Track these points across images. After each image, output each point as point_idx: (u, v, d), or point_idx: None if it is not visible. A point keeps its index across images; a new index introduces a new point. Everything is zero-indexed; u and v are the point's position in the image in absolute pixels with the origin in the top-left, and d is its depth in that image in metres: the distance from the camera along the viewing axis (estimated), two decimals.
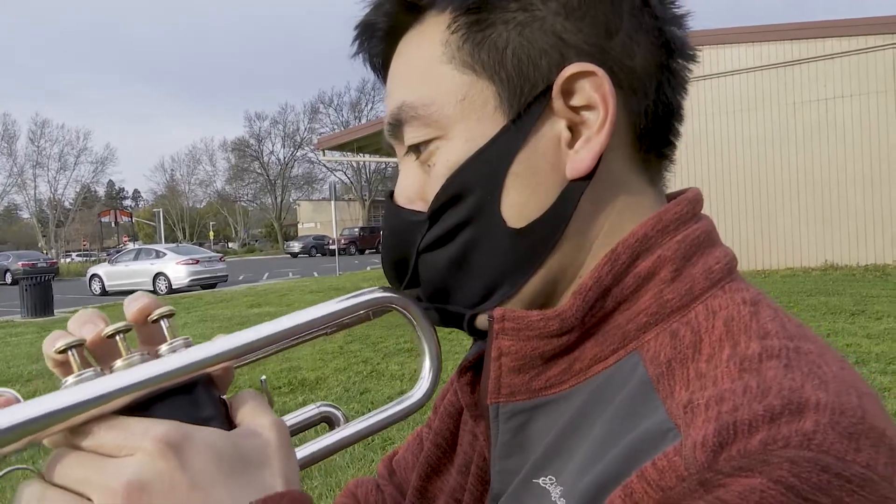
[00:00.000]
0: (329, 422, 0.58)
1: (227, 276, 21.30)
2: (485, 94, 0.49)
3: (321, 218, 58.85)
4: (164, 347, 0.45)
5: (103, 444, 0.40)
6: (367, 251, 43.51)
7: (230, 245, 65.69)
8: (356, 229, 45.90)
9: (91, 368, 0.43)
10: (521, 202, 0.49)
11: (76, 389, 0.41)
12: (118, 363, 0.43)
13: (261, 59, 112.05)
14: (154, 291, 19.81)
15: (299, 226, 63.05)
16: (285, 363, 6.80)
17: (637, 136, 0.50)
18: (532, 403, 0.50)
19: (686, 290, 0.48)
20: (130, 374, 0.42)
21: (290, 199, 65.91)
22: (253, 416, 0.44)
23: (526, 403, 0.50)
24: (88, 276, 22.05)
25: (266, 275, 25.92)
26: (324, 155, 20.64)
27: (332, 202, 23.42)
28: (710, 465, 0.37)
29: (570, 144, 0.49)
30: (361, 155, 20.71)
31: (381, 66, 0.57)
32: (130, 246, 35.52)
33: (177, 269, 19.96)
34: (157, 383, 0.42)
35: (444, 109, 0.50)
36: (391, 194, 0.56)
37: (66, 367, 0.43)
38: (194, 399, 0.44)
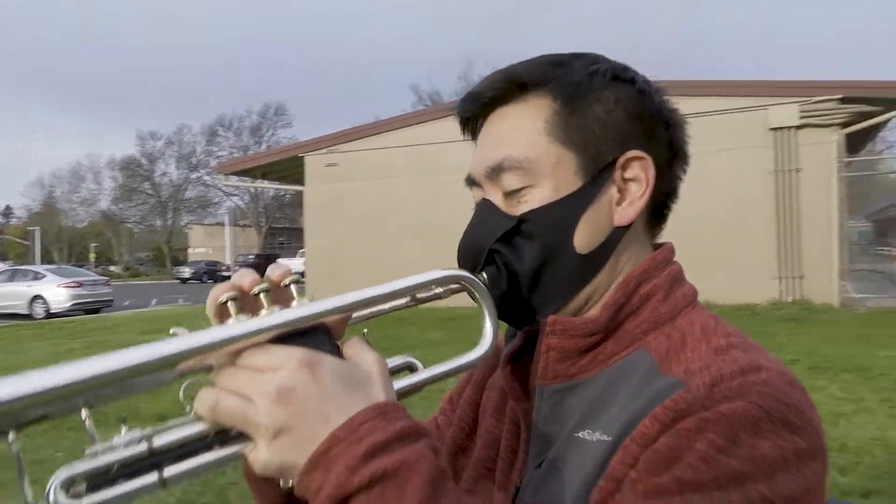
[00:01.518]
0: (410, 368, 0.71)
1: (112, 300, 20.26)
2: (570, 162, 0.71)
3: (214, 243, 56.94)
4: (294, 303, 0.61)
5: (258, 363, 0.56)
6: None
7: (112, 268, 62.15)
8: (251, 256, 44.53)
9: (245, 314, 0.59)
10: (586, 238, 0.71)
11: (240, 324, 0.57)
12: (264, 311, 0.59)
13: (156, 76, 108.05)
14: (30, 316, 18.56)
15: (190, 250, 60.64)
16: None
17: (654, 206, 0.74)
18: (568, 385, 0.71)
19: (673, 307, 0.71)
20: (275, 317, 0.58)
21: (182, 223, 63.34)
22: (359, 353, 0.61)
23: (564, 384, 0.71)
24: None
25: (154, 300, 24.81)
26: (225, 179, 20.21)
27: (228, 227, 22.87)
28: (707, 395, 0.59)
29: (619, 203, 0.72)
30: (262, 181, 20.45)
31: (474, 125, 0.78)
32: (1, 266, 32.98)
33: (57, 291, 18.80)
34: (293, 325, 0.59)
35: (540, 168, 0.71)
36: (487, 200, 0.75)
37: (224, 315, 0.59)
38: (318, 338, 0.60)
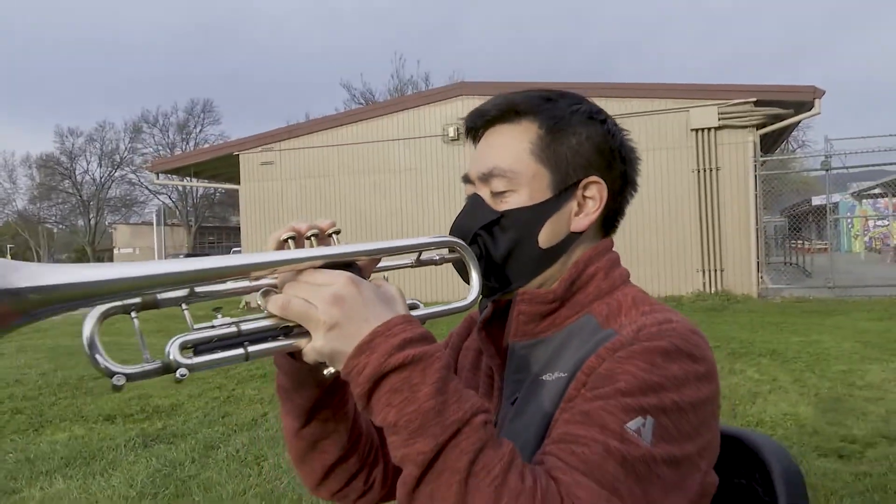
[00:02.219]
0: (413, 307, 0.87)
1: None
2: (544, 177, 0.94)
3: (140, 243, 55.01)
4: (337, 244, 0.82)
5: (317, 279, 0.75)
6: None
7: None
8: (181, 255, 43.56)
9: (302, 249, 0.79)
10: (547, 236, 0.94)
11: (306, 250, 0.78)
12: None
13: (74, 70, 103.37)
14: None
15: (115, 251, 58.46)
16: (134, 391, 6.64)
17: (605, 217, 0.99)
18: (533, 341, 0.94)
19: (611, 283, 0.95)
20: (328, 249, 0.79)
21: (106, 223, 60.97)
22: (384, 284, 0.79)
23: (530, 341, 0.95)
24: None
25: None
26: (157, 178, 19.73)
27: (159, 226, 22.33)
28: (635, 337, 0.83)
29: (577, 214, 0.95)
30: (192, 180, 20.08)
31: (475, 133, 1.00)
32: None
33: None
34: (339, 257, 0.79)
35: (521, 178, 0.94)
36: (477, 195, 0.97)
37: (283, 248, 0.79)
38: (354, 270, 0.80)
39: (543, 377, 0.90)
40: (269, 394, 6.21)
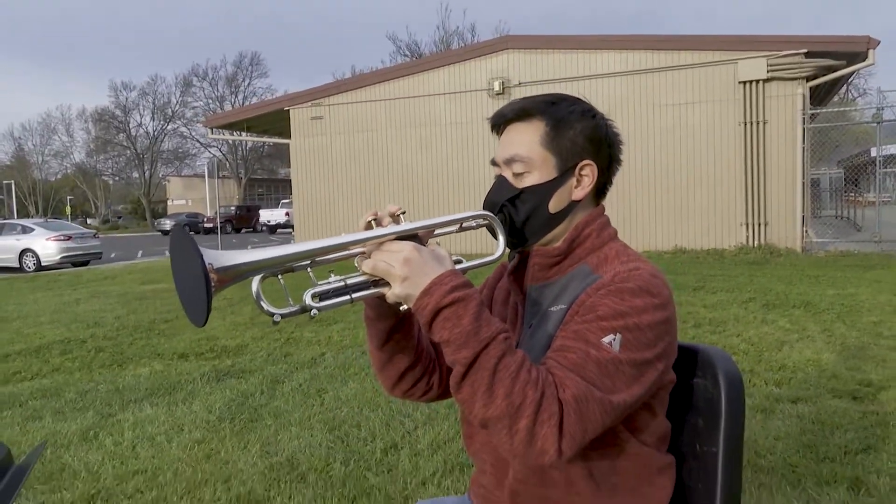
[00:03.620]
0: (457, 262, 1.15)
1: (101, 253, 20.50)
2: (551, 161, 1.26)
3: (193, 195, 56.55)
4: (403, 223, 1.15)
5: (392, 247, 1.04)
6: (243, 230, 42.23)
7: (89, 221, 61.46)
8: (232, 208, 44.44)
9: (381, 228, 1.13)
10: (555, 204, 1.27)
11: (383, 229, 1.11)
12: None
13: (127, 26, 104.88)
14: (21, 269, 18.87)
15: (169, 202, 60.28)
16: (201, 333, 7.26)
17: (596, 189, 1.31)
18: (544, 284, 1.29)
19: (602, 241, 1.28)
20: (396, 227, 1.10)
21: (159, 175, 62.72)
22: (437, 247, 1.10)
23: (542, 284, 1.30)
24: None
25: (140, 252, 25.10)
26: (211, 133, 20.40)
27: (213, 179, 22.96)
28: (612, 280, 1.15)
29: (576, 187, 1.28)
30: (244, 134, 20.67)
31: (499, 128, 1.32)
32: None
33: (47, 245, 19.00)
34: (405, 232, 1.08)
35: (534, 163, 1.26)
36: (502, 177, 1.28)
37: (369, 227, 1.13)
38: (417, 239, 1.08)
39: (551, 309, 1.25)
40: (325, 336, 6.74)
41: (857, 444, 3.43)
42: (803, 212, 13.37)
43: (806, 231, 13.46)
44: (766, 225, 13.58)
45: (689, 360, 1.36)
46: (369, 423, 4.08)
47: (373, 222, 1.12)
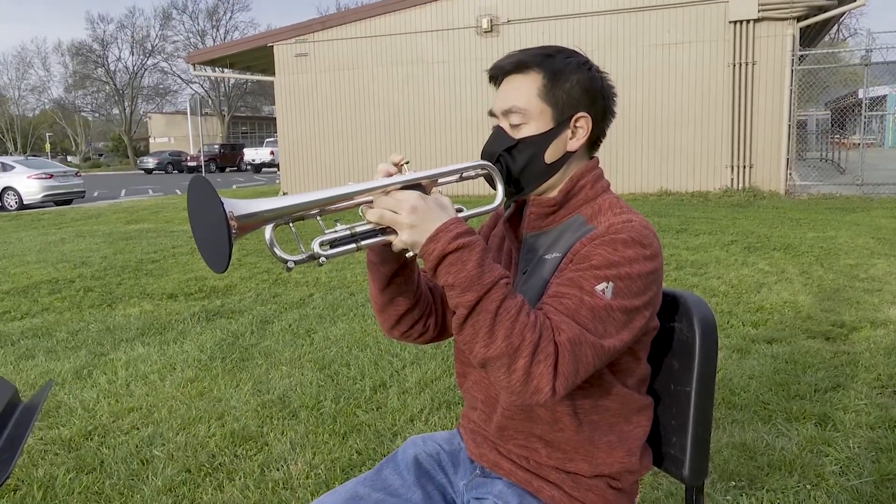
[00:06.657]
0: (459, 210, 1.19)
1: (84, 192, 20.28)
2: (548, 113, 1.29)
3: (175, 133, 55.55)
4: (406, 173, 1.20)
5: (398, 196, 1.08)
6: (227, 169, 41.54)
7: (70, 159, 60.33)
8: (216, 146, 43.40)
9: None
10: (550, 155, 1.30)
11: (389, 179, 1.15)
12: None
13: None
14: (3, 208, 18.68)
15: (151, 140, 59.17)
16: (189, 274, 7.30)
17: (590, 140, 1.35)
18: (539, 233, 1.35)
19: (596, 192, 1.33)
20: (403, 176, 1.15)
21: (140, 112, 61.43)
22: (440, 195, 1.17)
23: (537, 233, 1.35)
24: None
25: (123, 191, 24.85)
26: (194, 69, 19.93)
27: (196, 117, 22.56)
28: (605, 231, 1.22)
29: (570, 138, 1.31)
30: (227, 70, 20.24)
31: (497, 80, 1.35)
32: None
33: (28, 183, 18.77)
34: (410, 181, 1.12)
35: (531, 114, 1.29)
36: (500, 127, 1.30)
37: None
38: (421, 188, 1.16)
39: (546, 257, 1.31)
40: (313, 278, 6.80)
41: (827, 383, 3.59)
42: (788, 154, 13.44)
43: (790, 174, 13.55)
44: (750, 167, 13.66)
45: (668, 306, 1.43)
46: (358, 363, 4.20)
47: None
